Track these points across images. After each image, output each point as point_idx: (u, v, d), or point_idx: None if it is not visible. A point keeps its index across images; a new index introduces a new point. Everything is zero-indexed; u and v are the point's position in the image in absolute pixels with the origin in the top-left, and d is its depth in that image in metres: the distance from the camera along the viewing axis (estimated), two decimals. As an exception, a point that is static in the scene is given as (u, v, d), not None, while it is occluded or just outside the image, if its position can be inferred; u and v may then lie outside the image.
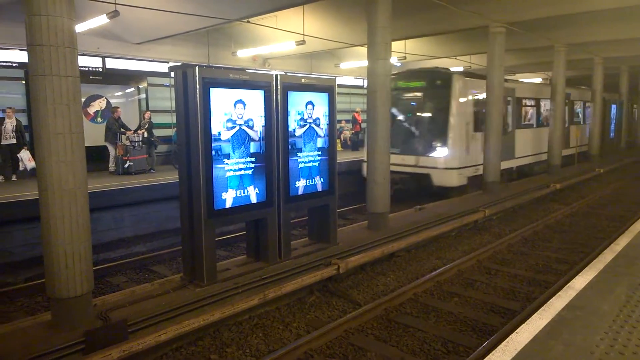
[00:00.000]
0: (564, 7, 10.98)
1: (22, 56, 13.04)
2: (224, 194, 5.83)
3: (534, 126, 16.95)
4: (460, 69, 20.75)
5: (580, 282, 5.06)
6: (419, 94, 13.59)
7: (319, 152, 7.07)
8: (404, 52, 16.42)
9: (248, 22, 11.97)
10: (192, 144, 5.61)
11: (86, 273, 4.80)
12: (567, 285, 5.03)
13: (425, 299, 6.69)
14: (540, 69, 25.31)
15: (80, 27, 10.03)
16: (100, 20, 10.38)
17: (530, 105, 16.73)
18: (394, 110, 12.97)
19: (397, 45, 15.36)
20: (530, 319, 4.18)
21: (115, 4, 9.58)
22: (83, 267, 4.76)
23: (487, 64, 12.41)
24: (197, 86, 5.42)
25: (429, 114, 13.24)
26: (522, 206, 12.67)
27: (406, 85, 13.74)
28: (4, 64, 12.95)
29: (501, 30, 12.00)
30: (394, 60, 15.41)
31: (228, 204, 5.91)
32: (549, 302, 4.59)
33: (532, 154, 16.67)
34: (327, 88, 7.09)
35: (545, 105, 17.31)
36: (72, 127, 4.62)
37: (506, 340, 3.80)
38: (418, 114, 13.51)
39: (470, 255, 8.36)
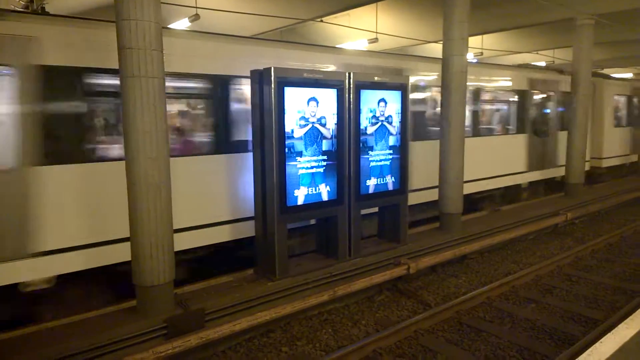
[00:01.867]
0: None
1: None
2: (296, 191, 5.94)
3: None
4: (542, 64, 19.61)
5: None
6: None
7: (391, 151, 6.99)
8: (481, 47, 15.81)
9: (321, 21, 12.08)
10: (267, 142, 5.77)
11: (169, 262, 5.08)
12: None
13: (500, 304, 6.42)
14: (630, 64, 23.31)
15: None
16: (182, 24, 10.97)
17: None
18: None
19: (473, 41, 14.82)
20: (616, 328, 3.87)
21: (196, 7, 10.08)
22: (166, 257, 5.04)
23: (572, 58, 11.59)
24: (273, 85, 5.57)
25: None
26: (609, 210, 11.76)
27: None
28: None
29: (589, 22, 11.15)
30: (469, 56, 14.73)
31: (300, 201, 6.01)
32: (638, 311, 4.22)
33: None
34: (400, 86, 6.99)
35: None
36: (158, 126, 4.90)
37: (589, 349, 3.55)
38: None
39: (550, 260, 7.91)
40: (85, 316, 5.14)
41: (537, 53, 18.11)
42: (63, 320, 5.04)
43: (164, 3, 5.05)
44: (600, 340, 3.68)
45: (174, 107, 6.18)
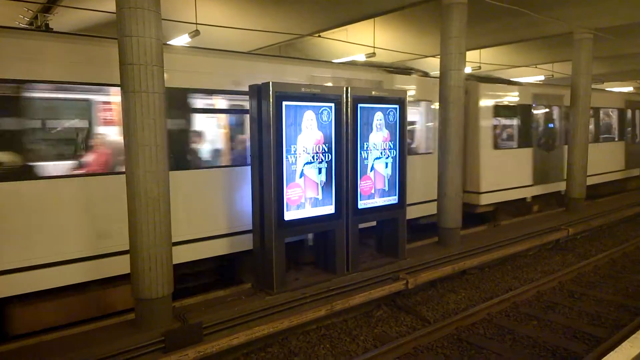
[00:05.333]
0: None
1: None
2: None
3: None
4: (541, 77, 19.76)
5: (679, 309, 4.57)
6: None
7: (389, 165, 7.01)
8: (479, 61, 15.93)
9: (319, 36, 12.22)
10: (265, 156, 5.81)
11: (167, 276, 5.09)
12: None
13: (500, 320, 6.37)
14: (631, 77, 23.40)
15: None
16: (183, 40, 11.11)
17: None
18: None
19: (471, 55, 14.94)
20: (619, 346, 3.84)
21: (196, 23, 10.22)
22: (164, 271, 5.05)
23: (572, 72, 11.67)
24: (271, 100, 5.62)
25: None
26: (611, 225, 11.70)
27: None
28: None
29: (588, 36, 11.25)
30: (467, 70, 14.69)
31: (297, 216, 6.02)
32: (642, 329, 4.19)
33: None
34: (398, 100, 7.04)
35: None
36: (157, 140, 4.94)
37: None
38: None
39: (551, 276, 7.85)
40: (85, 329, 5.14)
41: (535, 67, 18.23)
42: (62, 332, 5.04)
43: (164, 20, 5.13)
44: (604, 359, 3.64)
45: None
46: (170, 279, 5.15)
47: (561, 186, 11.94)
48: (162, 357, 4.71)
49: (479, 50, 15.23)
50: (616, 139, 14.66)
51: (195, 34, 10.39)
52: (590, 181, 12.62)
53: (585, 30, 11.15)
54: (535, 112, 11.35)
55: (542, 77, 19.91)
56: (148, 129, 4.87)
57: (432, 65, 14.96)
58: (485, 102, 10.16)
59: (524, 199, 11.04)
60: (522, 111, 10.94)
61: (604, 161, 13.05)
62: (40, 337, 4.92)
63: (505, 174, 10.33)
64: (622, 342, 3.93)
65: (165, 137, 5.07)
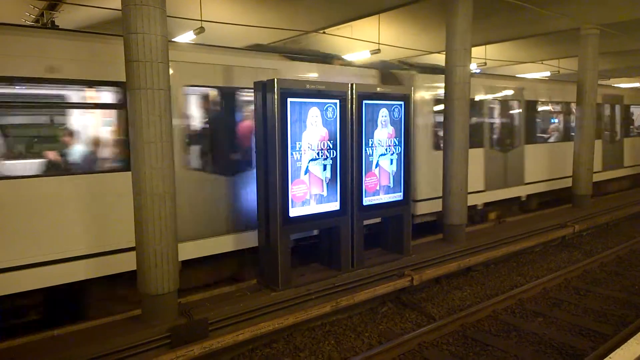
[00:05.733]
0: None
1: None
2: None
3: None
4: (547, 73, 19.65)
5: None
6: None
7: (394, 162, 6.99)
8: (484, 57, 15.84)
9: (324, 33, 12.21)
10: (270, 153, 5.82)
11: (173, 272, 5.11)
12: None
13: (506, 317, 6.35)
14: (638, 73, 23.24)
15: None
16: (187, 37, 11.13)
17: None
18: None
19: (476, 51, 14.87)
20: (626, 343, 3.82)
21: (201, 20, 10.23)
22: (170, 267, 5.07)
23: (578, 68, 11.59)
24: (276, 97, 5.62)
25: None
26: (618, 222, 11.62)
27: None
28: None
29: (594, 32, 11.16)
30: (472, 66, 14.57)
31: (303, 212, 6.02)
32: (648, 327, 4.17)
33: None
34: (403, 96, 7.02)
35: None
36: (163, 137, 4.96)
37: (599, 365, 3.51)
38: None
39: (557, 273, 7.82)
40: (91, 324, 5.17)
41: (541, 63, 18.12)
42: (68, 328, 5.08)
43: (169, 17, 5.13)
44: (610, 356, 3.63)
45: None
46: (175, 275, 5.17)
47: (523, 191, 10.88)
48: (167, 353, 4.74)
49: (484, 46, 15.16)
50: None
51: (200, 30, 10.41)
52: (559, 185, 11.83)
53: (592, 26, 11.07)
54: (488, 107, 10.02)
55: (547, 73, 19.81)
56: (153, 126, 4.88)
57: (437, 61, 14.92)
58: (423, 96, 8.79)
59: (475, 206, 9.81)
60: (470, 106, 8.90)
61: None
62: (45, 334, 4.95)
63: None
64: (629, 339, 3.92)
65: (171, 133, 5.09)
